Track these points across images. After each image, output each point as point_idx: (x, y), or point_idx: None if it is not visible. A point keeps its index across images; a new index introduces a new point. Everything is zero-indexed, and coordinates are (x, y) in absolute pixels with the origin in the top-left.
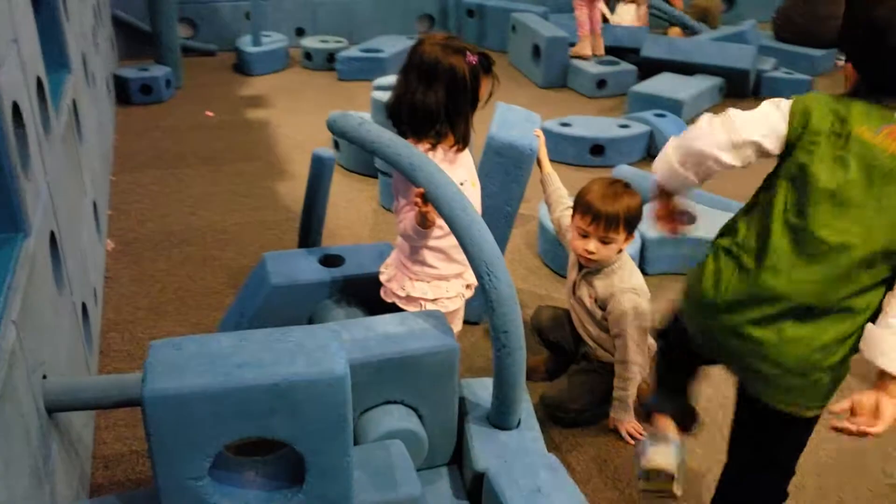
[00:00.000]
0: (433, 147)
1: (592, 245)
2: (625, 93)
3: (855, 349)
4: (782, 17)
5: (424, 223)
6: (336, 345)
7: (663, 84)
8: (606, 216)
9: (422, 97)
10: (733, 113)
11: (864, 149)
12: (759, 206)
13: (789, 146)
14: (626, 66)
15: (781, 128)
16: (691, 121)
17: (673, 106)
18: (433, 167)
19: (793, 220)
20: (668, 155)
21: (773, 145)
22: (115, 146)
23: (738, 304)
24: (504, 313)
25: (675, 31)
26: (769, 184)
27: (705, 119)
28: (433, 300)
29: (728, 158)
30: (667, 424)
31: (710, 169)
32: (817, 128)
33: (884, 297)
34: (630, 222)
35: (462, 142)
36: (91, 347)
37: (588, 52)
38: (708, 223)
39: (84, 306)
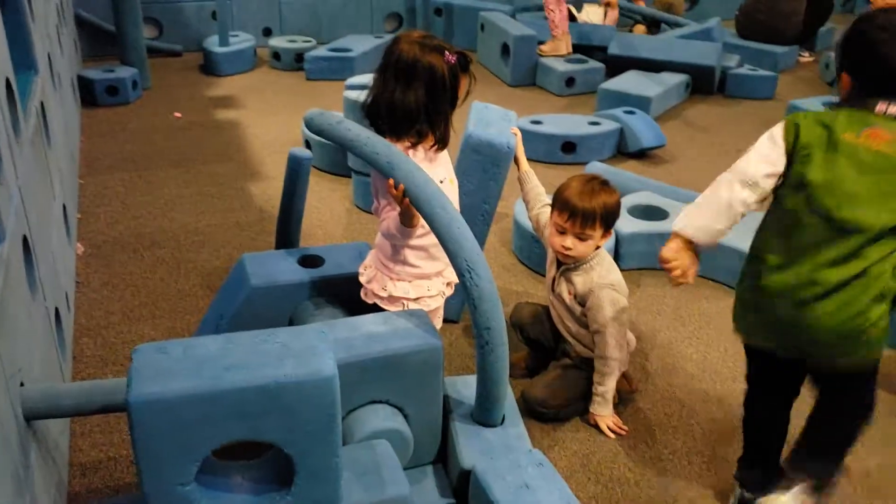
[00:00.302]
0: (413, 146)
1: (569, 241)
2: (593, 90)
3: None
4: (745, 14)
5: (409, 221)
6: (324, 345)
7: (631, 81)
8: (583, 212)
9: (401, 96)
10: (739, 165)
11: (850, 149)
12: (771, 219)
13: (789, 161)
14: (594, 63)
15: (779, 157)
16: (659, 118)
17: (641, 103)
18: (412, 165)
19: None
20: (704, 218)
21: (779, 170)
22: (81, 148)
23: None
24: (486, 310)
25: (639, 29)
26: (776, 200)
27: (723, 180)
28: (415, 299)
29: (752, 200)
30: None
31: (739, 215)
32: (807, 141)
33: None
34: (607, 219)
35: (442, 141)
36: (64, 353)
37: (564, 51)
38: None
39: (57, 311)
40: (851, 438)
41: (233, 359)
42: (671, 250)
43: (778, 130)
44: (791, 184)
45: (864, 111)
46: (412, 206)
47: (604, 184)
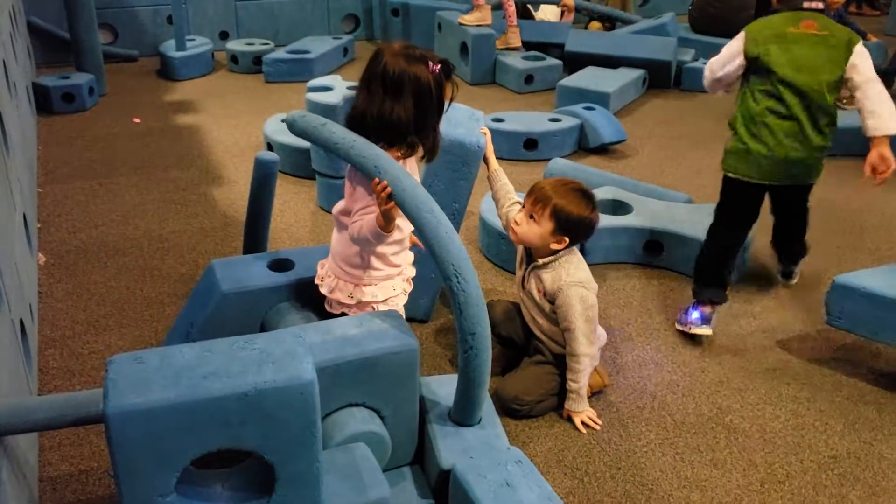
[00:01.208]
0: (403, 157)
1: (519, 216)
2: (552, 87)
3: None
4: (698, 9)
5: (388, 226)
6: (302, 350)
7: (589, 78)
8: (538, 194)
9: (390, 110)
10: (711, 61)
11: (794, 36)
12: (745, 102)
13: (750, 59)
14: (552, 61)
15: (740, 48)
16: (618, 113)
17: (600, 98)
18: (400, 170)
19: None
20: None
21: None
22: (39, 157)
23: (786, 138)
24: (472, 315)
25: (595, 26)
26: (744, 87)
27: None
28: (383, 301)
29: (731, 71)
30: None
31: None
32: (762, 38)
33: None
34: (560, 218)
35: (431, 152)
36: (30, 366)
37: (518, 42)
38: (643, 210)
39: (22, 323)
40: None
41: (211, 367)
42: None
43: (740, 37)
44: (763, 68)
45: (797, 11)
46: (399, 209)
47: (585, 195)
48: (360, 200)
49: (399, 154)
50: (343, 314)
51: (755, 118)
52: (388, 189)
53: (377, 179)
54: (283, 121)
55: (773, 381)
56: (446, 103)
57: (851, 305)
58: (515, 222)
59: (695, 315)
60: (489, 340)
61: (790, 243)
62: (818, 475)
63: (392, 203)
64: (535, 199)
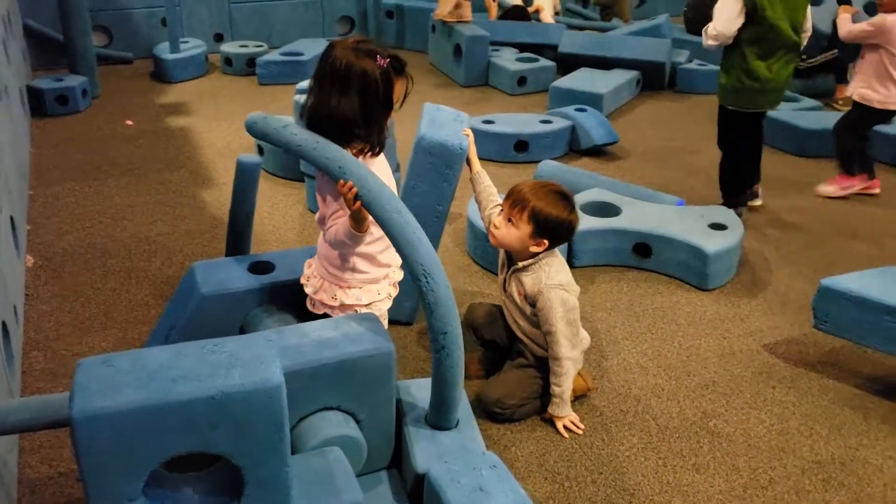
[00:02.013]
0: (360, 153)
1: (498, 220)
2: (545, 89)
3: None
4: (692, 10)
5: (360, 226)
6: (271, 354)
7: (582, 79)
8: (516, 197)
9: (337, 104)
10: (715, 26)
11: None
12: (739, 47)
13: (749, 12)
14: (545, 62)
15: (740, 6)
16: (611, 114)
17: (593, 100)
18: (364, 169)
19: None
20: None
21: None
22: (31, 160)
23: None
24: (442, 315)
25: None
26: (740, 36)
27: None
28: (367, 305)
29: (734, 28)
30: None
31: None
32: None
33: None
34: (538, 220)
35: (378, 146)
36: (12, 368)
37: (470, 16)
38: (632, 212)
39: (4, 325)
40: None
41: (180, 370)
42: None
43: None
44: (758, 19)
45: None
46: (365, 210)
47: (563, 196)
48: (331, 206)
49: (353, 152)
50: (325, 315)
51: (747, 59)
52: (354, 190)
53: (342, 181)
54: (245, 123)
55: (759, 385)
56: (399, 100)
57: (838, 309)
58: (494, 226)
59: None
60: (461, 340)
61: (756, 164)
62: (801, 480)
63: (359, 203)
64: (514, 201)
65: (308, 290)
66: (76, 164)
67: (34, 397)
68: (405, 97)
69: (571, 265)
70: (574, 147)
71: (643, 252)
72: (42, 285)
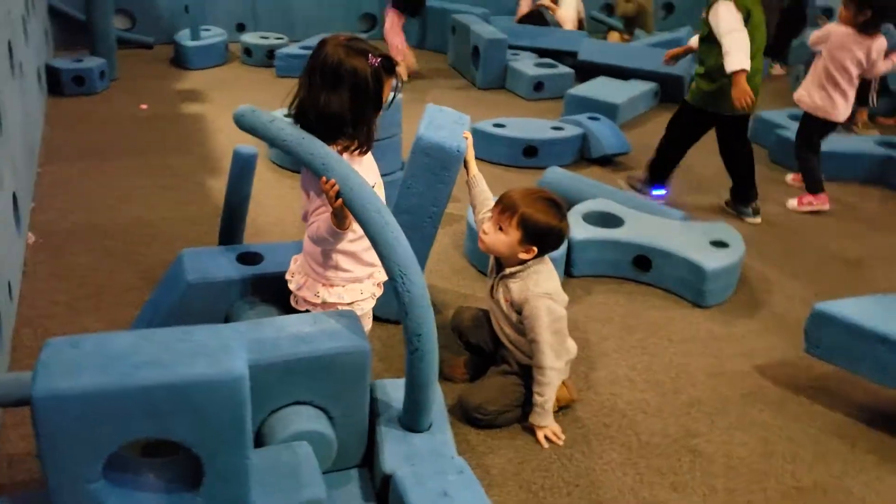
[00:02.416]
0: (345, 151)
1: (487, 226)
2: (561, 96)
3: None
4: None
5: (341, 224)
6: (237, 345)
7: (599, 88)
8: (506, 203)
9: (326, 101)
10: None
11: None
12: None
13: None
14: (563, 69)
15: (736, 12)
16: (626, 124)
17: (608, 109)
18: (347, 168)
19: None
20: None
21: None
22: (44, 138)
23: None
24: (417, 315)
25: (614, 37)
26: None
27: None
28: (349, 304)
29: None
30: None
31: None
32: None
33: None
34: (527, 227)
35: (366, 145)
36: (1, 343)
37: (405, 73)
38: (634, 224)
39: None
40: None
41: (144, 356)
42: (744, 84)
43: (731, 5)
44: (748, 24)
45: None
46: (346, 208)
47: (553, 204)
48: (314, 202)
49: (339, 149)
50: (307, 311)
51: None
52: (336, 188)
53: (324, 178)
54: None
55: (746, 406)
56: (387, 99)
57: (830, 334)
58: (483, 231)
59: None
60: (435, 343)
61: (752, 174)
62: (780, 503)
63: (340, 201)
64: (503, 207)
65: (291, 286)
66: (87, 144)
67: (9, 374)
68: (393, 98)
69: (569, 274)
70: (585, 155)
71: (643, 265)
72: (40, 263)
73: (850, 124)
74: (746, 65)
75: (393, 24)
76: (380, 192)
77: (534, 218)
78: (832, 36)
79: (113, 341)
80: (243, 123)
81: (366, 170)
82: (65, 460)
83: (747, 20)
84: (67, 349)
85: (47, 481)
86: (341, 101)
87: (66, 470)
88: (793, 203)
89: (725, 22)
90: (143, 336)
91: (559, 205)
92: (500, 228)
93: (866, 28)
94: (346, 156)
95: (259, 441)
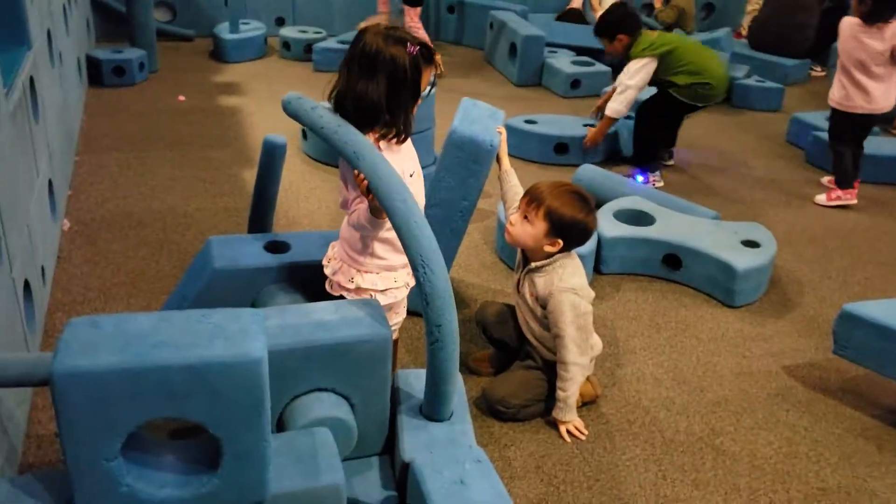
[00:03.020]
0: (382, 139)
1: (514, 217)
2: (598, 93)
3: None
4: (757, 24)
5: (378, 213)
6: (256, 328)
7: None
8: (533, 195)
9: (364, 89)
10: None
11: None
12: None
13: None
14: (600, 67)
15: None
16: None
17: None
18: (377, 157)
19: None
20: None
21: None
22: (82, 127)
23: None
24: (438, 306)
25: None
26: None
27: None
28: (383, 291)
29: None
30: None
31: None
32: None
33: None
34: (553, 220)
35: (403, 133)
36: (33, 326)
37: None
38: (665, 222)
39: (28, 284)
40: None
41: (162, 336)
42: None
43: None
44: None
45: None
46: (373, 196)
47: (581, 198)
48: (353, 191)
49: (376, 136)
50: (341, 297)
51: (712, 62)
52: (362, 176)
53: (356, 172)
54: (281, 101)
55: (773, 406)
56: (426, 89)
57: (859, 335)
58: (510, 222)
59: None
60: (456, 334)
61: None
62: None
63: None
64: (530, 199)
65: (327, 271)
66: (125, 134)
67: (36, 353)
68: (432, 87)
69: (599, 271)
70: (617, 153)
71: (673, 264)
72: (75, 249)
73: (889, 126)
74: (616, 115)
75: (411, 19)
76: (418, 181)
77: (560, 210)
78: (842, 28)
79: (133, 322)
80: (289, 110)
81: (404, 158)
82: (83, 438)
83: (667, 57)
84: (88, 329)
85: (66, 458)
86: (378, 89)
87: (84, 447)
88: (821, 198)
89: (627, 76)
90: (162, 318)
91: (587, 199)
92: (527, 219)
93: (870, 18)
94: (383, 143)
95: (280, 427)
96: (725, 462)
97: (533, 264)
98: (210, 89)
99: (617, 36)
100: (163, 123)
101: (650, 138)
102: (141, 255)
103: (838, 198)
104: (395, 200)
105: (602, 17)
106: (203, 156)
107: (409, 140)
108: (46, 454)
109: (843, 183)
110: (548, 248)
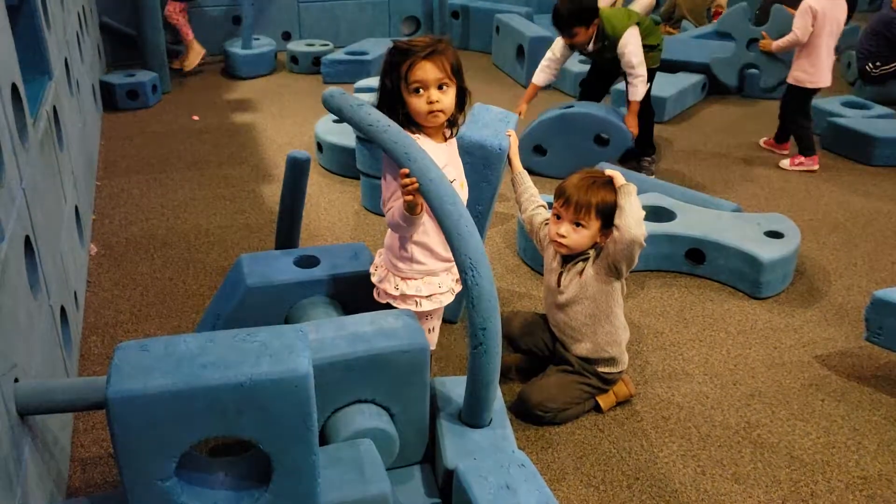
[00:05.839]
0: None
1: (564, 228)
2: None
3: None
4: (764, 13)
5: (413, 209)
6: (301, 344)
7: None
8: (577, 201)
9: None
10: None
11: None
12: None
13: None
14: None
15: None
16: (674, 118)
17: (656, 103)
18: (428, 159)
19: None
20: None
21: None
22: (100, 152)
23: None
24: (484, 309)
25: (662, 30)
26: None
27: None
28: (427, 296)
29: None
30: None
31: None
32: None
33: None
34: (604, 212)
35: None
36: (70, 351)
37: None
38: (687, 217)
39: (63, 310)
40: None
41: (211, 357)
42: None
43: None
44: None
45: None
46: (423, 198)
47: (605, 182)
48: (391, 187)
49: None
50: (388, 304)
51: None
52: (415, 181)
53: (404, 170)
54: (322, 97)
55: (808, 396)
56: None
57: (892, 321)
58: (560, 235)
59: None
60: (499, 338)
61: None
62: (845, 495)
63: (409, 189)
64: (575, 206)
65: (374, 279)
66: (143, 156)
67: (80, 378)
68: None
69: None
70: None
71: (696, 258)
72: (104, 273)
73: None
74: (640, 97)
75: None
76: (461, 191)
77: (606, 201)
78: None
79: (180, 344)
80: (331, 104)
81: (451, 165)
82: (138, 459)
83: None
84: (138, 352)
85: (122, 479)
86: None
87: (139, 468)
88: (785, 163)
89: (633, 55)
90: (208, 338)
91: (608, 178)
92: (580, 225)
93: None
94: (429, 142)
95: (323, 440)
96: (764, 455)
97: (565, 253)
98: (223, 107)
99: (593, 20)
100: (179, 144)
101: (648, 125)
102: (168, 276)
103: (801, 163)
104: (446, 203)
105: (572, 7)
106: (221, 174)
107: (454, 146)
108: (91, 477)
109: (807, 151)
110: (601, 240)
